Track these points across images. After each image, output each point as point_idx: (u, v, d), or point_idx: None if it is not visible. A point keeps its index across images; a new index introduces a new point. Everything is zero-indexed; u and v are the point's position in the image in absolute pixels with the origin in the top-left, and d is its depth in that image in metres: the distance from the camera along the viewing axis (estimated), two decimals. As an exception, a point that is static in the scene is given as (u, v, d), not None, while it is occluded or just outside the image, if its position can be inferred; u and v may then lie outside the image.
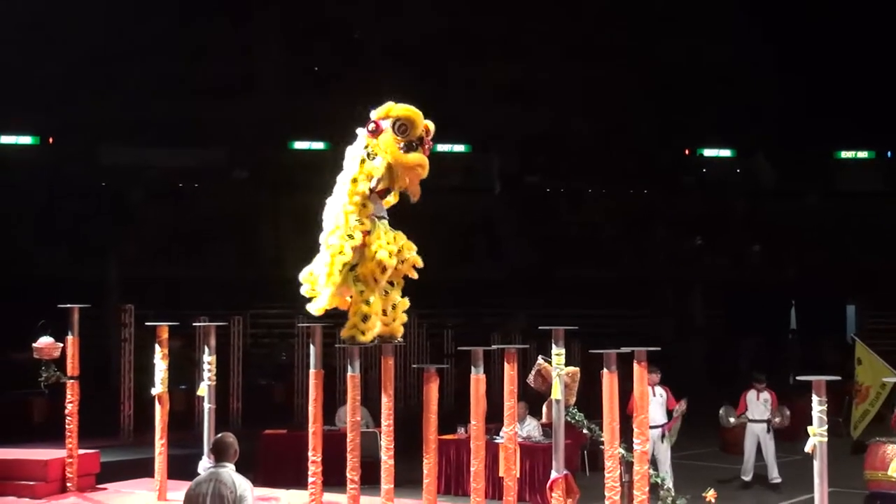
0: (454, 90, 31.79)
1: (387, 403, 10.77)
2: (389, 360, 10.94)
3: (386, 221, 10.60)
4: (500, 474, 10.95)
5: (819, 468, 8.61)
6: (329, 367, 12.13)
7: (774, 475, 16.59)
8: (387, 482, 10.72)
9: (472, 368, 10.65)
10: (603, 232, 33.91)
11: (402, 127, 10.02)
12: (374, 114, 10.19)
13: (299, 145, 34.44)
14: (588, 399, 11.04)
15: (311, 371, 11.25)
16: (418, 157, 10.09)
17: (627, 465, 10.46)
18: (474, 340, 11.83)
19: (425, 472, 10.53)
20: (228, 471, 7.78)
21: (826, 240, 33.50)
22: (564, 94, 32.80)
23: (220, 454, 7.92)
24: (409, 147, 10.08)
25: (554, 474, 10.09)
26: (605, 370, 9.89)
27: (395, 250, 10.42)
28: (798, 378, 9.22)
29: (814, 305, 29.44)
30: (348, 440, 10.87)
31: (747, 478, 16.80)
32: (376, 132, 10.11)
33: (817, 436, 8.63)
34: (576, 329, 10.71)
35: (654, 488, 10.73)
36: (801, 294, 29.47)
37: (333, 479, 11.77)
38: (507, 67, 33.07)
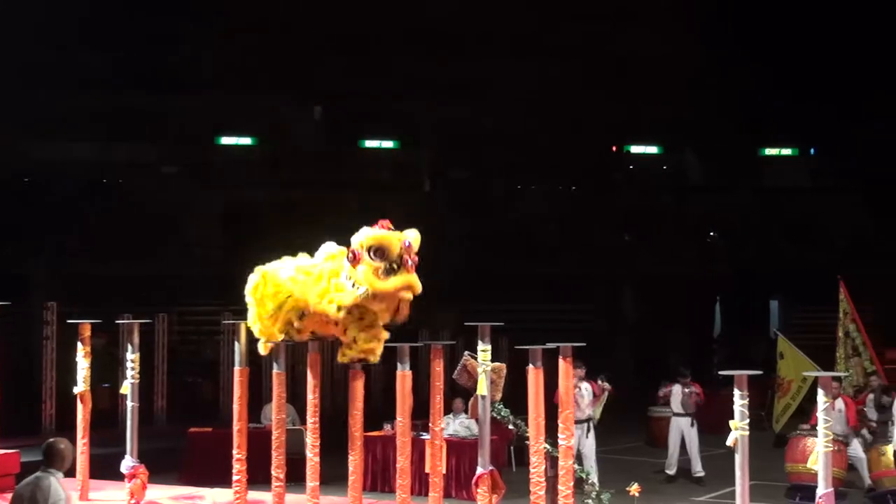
0: (385, 85, 31.73)
1: (312, 401, 10.73)
2: (315, 357, 10.90)
3: None
4: (427, 470, 10.97)
5: (740, 461, 8.71)
6: (255, 365, 12.06)
7: (698, 469, 16.76)
8: (312, 479, 10.68)
9: (399, 365, 10.66)
10: (534, 228, 34.04)
11: (378, 252, 9.73)
12: (353, 242, 9.93)
13: (227, 140, 34.16)
14: (517, 395, 11.09)
15: (237, 369, 11.19)
16: (401, 280, 9.84)
17: (553, 460, 10.50)
18: (404, 337, 11.83)
19: (351, 468, 10.52)
20: (52, 479, 7.59)
21: (752, 236, 33.94)
22: (495, 91, 32.87)
23: (47, 459, 7.72)
24: (389, 271, 9.81)
25: (480, 470, 10.11)
26: (530, 366, 9.93)
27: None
28: (721, 373, 9.33)
29: (739, 301, 29.82)
30: (273, 437, 10.83)
31: (671, 471, 16.95)
32: (355, 261, 9.87)
33: (739, 429, 8.74)
34: (502, 325, 10.76)
35: (580, 483, 10.80)
36: (727, 289, 29.84)
37: (260, 476, 11.72)
38: (438, 63, 33.07)
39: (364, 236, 9.82)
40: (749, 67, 31.71)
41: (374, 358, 10.40)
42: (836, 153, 34.95)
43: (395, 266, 9.80)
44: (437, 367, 10.72)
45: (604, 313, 31.76)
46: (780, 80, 31.68)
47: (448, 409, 15.37)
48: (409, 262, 9.88)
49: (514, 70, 32.62)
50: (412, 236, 9.94)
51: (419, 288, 9.98)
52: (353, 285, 9.95)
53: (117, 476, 11.54)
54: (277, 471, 10.78)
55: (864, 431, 16.46)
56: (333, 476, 12.48)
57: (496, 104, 32.87)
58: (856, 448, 15.88)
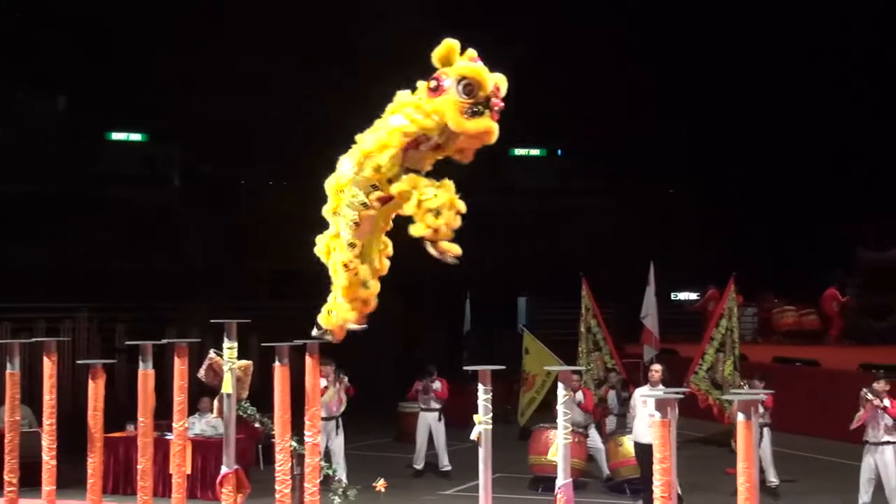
0: (132, 76, 30.83)
1: (49, 402, 10.32)
2: (52, 357, 10.48)
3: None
4: (171, 471, 10.72)
5: (484, 455, 8.89)
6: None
7: (445, 463, 17.00)
8: (48, 483, 10.27)
9: (141, 363, 10.39)
10: (285, 224, 33.72)
11: (468, 87, 8.40)
12: (435, 60, 8.50)
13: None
14: (267, 392, 10.97)
15: (-34, 369, 10.66)
16: (485, 124, 8.45)
17: (299, 458, 10.44)
18: (150, 335, 11.53)
19: (90, 471, 10.20)
20: None
21: (501, 234, 34.63)
22: (247, 85, 32.38)
23: None
24: (474, 111, 8.48)
25: (224, 469, 9.95)
26: (276, 363, 9.84)
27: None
28: (466, 368, 9.47)
29: (489, 298, 30.38)
30: (6, 441, 10.36)
31: (419, 466, 17.12)
32: (437, 90, 8.46)
33: (482, 423, 8.90)
34: (249, 322, 10.60)
35: (327, 480, 10.76)
36: (477, 286, 30.33)
37: (-7, 482, 11.18)
38: (190, 55, 32.33)
39: (458, 65, 8.45)
40: (501, 68, 32.20)
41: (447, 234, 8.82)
42: (583, 155, 36.10)
43: (480, 108, 8.48)
44: (182, 366, 10.50)
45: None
46: (529, 82, 32.36)
47: (194, 409, 15.09)
48: (496, 107, 8.58)
49: (270, 65, 32.22)
50: (501, 79, 8.65)
51: (496, 136, 8.60)
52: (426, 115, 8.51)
53: None
54: (10, 475, 10.33)
55: (610, 417, 17.21)
56: (73, 479, 12.03)
57: (249, 98, 32.40)
58: (595, 439, 16.48)
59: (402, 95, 8.79)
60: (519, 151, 37.36)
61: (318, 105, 32.06)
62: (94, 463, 10.17)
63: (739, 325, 19.73)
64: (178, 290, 28.10)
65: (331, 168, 9.17)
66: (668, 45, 30.55)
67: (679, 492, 14.29)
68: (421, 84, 8.63)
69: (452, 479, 16.50)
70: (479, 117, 8.41)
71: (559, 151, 38.22)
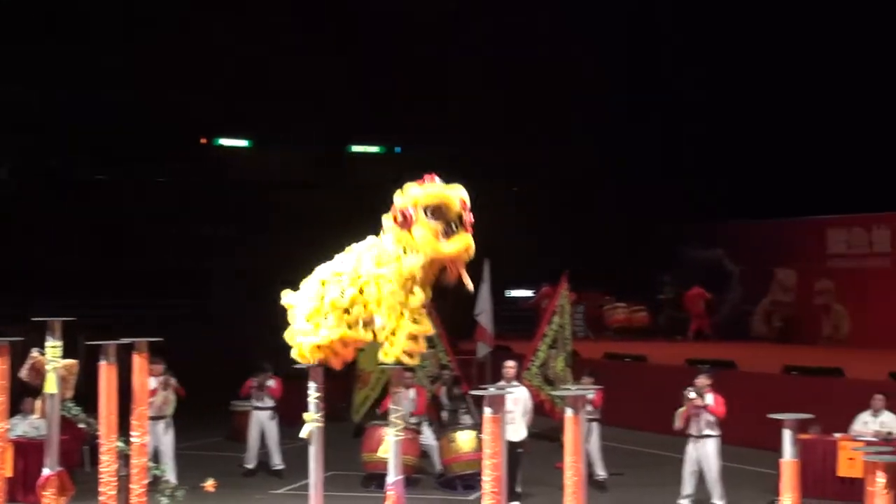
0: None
1: None
2: None
3: None
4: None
5: (315, 453, 8.85)
6: None
7: (277, 461, 16.88)
8: None
9: (-41, 363, 10.01)
10: (127, 221, 33.09)
11: (437, 211, 8.41)
12: (398, 202, 8.51)
13: None
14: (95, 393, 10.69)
15: None
16: (461, 243, 8.47)
17: (126, 459, 10.22)
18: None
19: None
20: None
21: (342, 229, 34.46)
22: (79, 77, 31.60)
23: None
24: (448, 231, 8.46)
25: (47, 471, 9.67)
26: (102, 361, 9.61)
27: None
28: (295, 366, 9.38)
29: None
30: None
31: (251, 465, 16.94)
32: (406, 223, 8.47)
33: (314, 421, 8.86)
34: (74, 320, 10.32)
35: (156, 481, 10.57)
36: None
37: None
38: (12, 47, 31.35)
39: (419, 194, 8.45)
40: (339, 68, 32.19)
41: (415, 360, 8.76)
42: (422, 152, 36.29)
43: (454, 226, 8.48)
44: (3, 365, 10.15)
45: (196, 307, 31.33)
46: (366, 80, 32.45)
47: (17, 409, 14.65)
48: (468, 222, 8.61)
49: (115, 56, 31.45)
50: (463, 192, 8.62)
51: (473, 250, 8.64)
52: (405, 251, 8.54)
53: None
54: None
55: (443, 415, 17.32)
56: None
57: (82, 91, 31.64)
58: (428, 436, 16.59)
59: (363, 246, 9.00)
60: (357, 148, 37.34)
61: (159, 100, 31.57)
62: None
63: (572, 323, 20.08)
64: (13, 287, 27.28)
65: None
66: (500, 47, 30.98)
67: (518, 489, 14.57)
68: (387, 223, 8.65)
69: (284, 478, 16.39)
70: (454, 236, 8.47)
71: (397, 149, 38.30)
